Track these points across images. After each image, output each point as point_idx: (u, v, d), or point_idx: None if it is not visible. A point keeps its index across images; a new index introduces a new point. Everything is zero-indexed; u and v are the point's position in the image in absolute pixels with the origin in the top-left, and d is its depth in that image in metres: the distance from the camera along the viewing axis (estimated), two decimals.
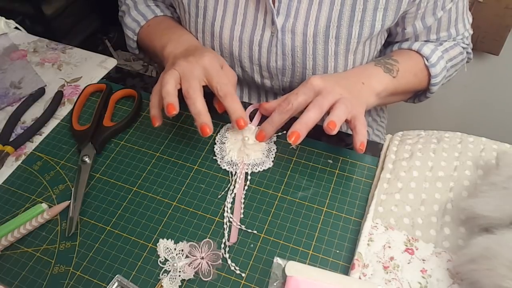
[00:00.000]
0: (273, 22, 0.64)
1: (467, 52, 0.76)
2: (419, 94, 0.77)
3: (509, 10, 1.05)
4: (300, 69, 0.67)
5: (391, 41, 0.74)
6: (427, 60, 0.68)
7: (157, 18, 0.75)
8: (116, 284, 0.50)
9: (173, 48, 0.66)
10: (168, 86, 0.57)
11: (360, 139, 0.55)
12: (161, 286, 0.50)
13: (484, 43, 1.14)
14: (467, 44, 0.75)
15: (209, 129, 0.57)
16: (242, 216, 0.56)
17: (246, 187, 0.58)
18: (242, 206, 0.57)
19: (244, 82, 0.75)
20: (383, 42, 0.71)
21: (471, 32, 0.75)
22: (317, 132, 0.65)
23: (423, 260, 0.50)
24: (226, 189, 0.58)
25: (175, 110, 0.57)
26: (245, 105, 0.68)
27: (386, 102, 0.78)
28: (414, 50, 0.69)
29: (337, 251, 0.52)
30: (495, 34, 1.11)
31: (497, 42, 1.13)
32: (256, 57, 0.67)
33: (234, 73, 0.64)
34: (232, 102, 0.58)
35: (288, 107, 0.56)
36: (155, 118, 0.60)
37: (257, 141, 0.60)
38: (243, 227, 0.55)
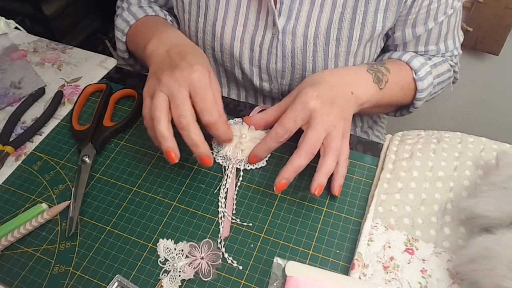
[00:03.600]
0: (274, 24, 0.64)
1: (454, 71, 0.75)
2: (401, 108, 0.76)
3: (509, 10, 1.05)
4: (299, 71, 0.67)
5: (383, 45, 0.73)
6: (415, 73, 0.67)
7: (146, 17, 0.72)
8: (116, 284, 0.50)
9: (156, 47, 0.61)
10: (162, 126, 0.52)
11: (339, 183, 0.55)
12: (161, 286, 0.50)
13: (484, 43, 1.14)
14: (455, 63, 0.74)
15: (210, 159, 0.54)
16: (236, 211, 0.56)
17: (238, 183, 0.59)
18: (235, 202, 0.57)
19: (242, 86, 0.75)
20: (382, 45, 0.71)
21: (461, 52, 0.74)
22: None
23: (423, 260, 0.50)
24: (220, 184, 0.59)
25: (177, 158, 0.53)
26: (244, 105, 0.68)
27: (365, 112, 0.77)
28: (403, 61, 0.68)
29: (337, 251, 0.52)
30: (495, 34, 1.11)
31: (497, 42, 1.13)
32: (256, 58, 0.67)
33: (218, 85, 0.59)
34: (217, 130, 0.56)
35: (285, 135, 0.55)
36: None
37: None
38: (238, 220, 0.55)
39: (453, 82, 0.78)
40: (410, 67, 0.67)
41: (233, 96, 0.77)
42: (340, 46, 0.63)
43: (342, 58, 0.65)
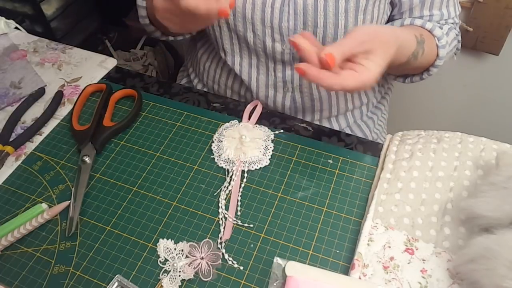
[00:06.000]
0: None
1: (458, 41, 0.77)
2: (413, 75, 0.76)
3: (509, 10, 1.05)
4: (311, 28, 0.68)
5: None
6: (438, 40, 0.69)
7: None
8: (116, 284, 0.50)
9: None
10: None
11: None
12: (161, 286, 0.50)
13: (484, 43, 1.14)
14: (458, 32, 0.76)
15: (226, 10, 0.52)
16: (239, 213, 0.56)
17: (243, 185, 0.59)
18: (239, 203, 0.57)
19: (254, 52, 0.75)
20: (388, 12, 0.73)
21: (460, 21, 0.77)
22: (317, 132, 0.65)
23: (423, 260, 0.50)
24: (222, 186, 0.59)
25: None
26: (244, 104, 0.68)
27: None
28: (427, 30, 0.70)
29: (337, 251, 0.52)
30: (495, 34, 1.11)
31: (497, 42, 1.13)
32: (268, 18, 0.68)
33: None
34: None
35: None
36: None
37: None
38: (239, 222, 0.55)
39: (455, 53, 0.80)
40: (433, 35, 0.69)
41: (245, 65, 0.76)
42: (350, 1, 0.65)
43: (351, 13, 0.66)
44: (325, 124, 0.79)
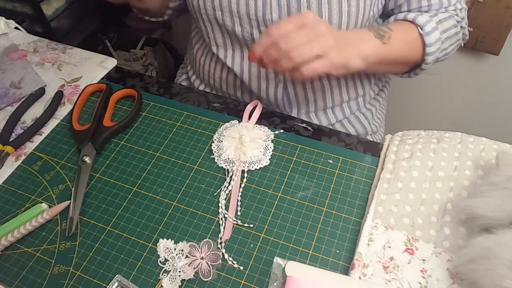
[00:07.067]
0: None
1: (461, 27, 0.74)
2: (414, 68, 0.75)
3: (509, 10, 1.05)
4: None
5: (386, 10, 0.73)
6: (421, 29, 0.68)
7: None
8: (116, 284, 0.50)
9: None
10: None
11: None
12: (161, 286, 0.50)
13: (484, 43, 1.14)
14: (461, 18, 0.74)
15: None
16: (239, 213, 0.56)
17: (243, 185, 0.59)
18: (239, 203, 0.57)
19: (244, 44, 0.75)
20: (380, 8, 0.71)
21: (465, 6, 0.74)
22: (317, 132, 0.65)
23: (423, 260, 0.50)
24: (222, 186, 0.59)
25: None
26: (244, 105, 0.68)
27: (376, 70, 0.76)
28: (409, 20, 0.69)
29: (337, 251, 0.52)
30: (495, 34, 1.11)
31: (497, 42, 1.13)
32: (253, 12, 0.68)
33: None
34: None
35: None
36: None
37: (252, 139, 0.58)
38: (239, 222, 0.55)
39: (463, 39, 0.78)
40: (416, 24, 0.68)
41: (236, 58, 0.76)
42: None
43: (335, 5, 0.65)
44: (322, 116, 0.78)
